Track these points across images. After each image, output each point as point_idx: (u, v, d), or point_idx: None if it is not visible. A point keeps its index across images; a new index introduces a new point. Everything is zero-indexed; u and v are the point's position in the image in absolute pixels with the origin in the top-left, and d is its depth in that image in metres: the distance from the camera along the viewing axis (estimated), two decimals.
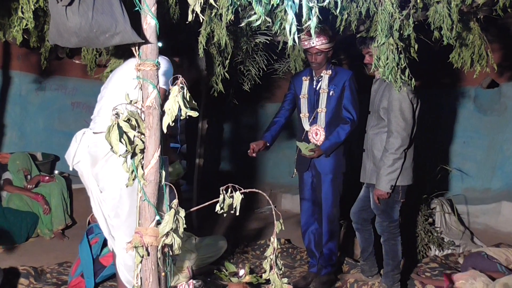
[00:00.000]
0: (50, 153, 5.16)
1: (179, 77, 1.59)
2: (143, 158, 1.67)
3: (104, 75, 3.42)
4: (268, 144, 3.35)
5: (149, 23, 1.63)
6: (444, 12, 2.41)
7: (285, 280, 1.79)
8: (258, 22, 1.71)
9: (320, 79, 3.30)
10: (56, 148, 5.34)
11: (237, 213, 1.70)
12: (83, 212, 4.85)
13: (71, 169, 2.55)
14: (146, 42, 1.64)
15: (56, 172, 5.07)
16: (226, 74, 3.49)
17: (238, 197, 1.71)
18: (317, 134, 3.28)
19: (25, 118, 5.20)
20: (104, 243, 3.12)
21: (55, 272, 3.46)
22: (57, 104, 5.42)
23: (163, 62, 2.66)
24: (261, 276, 3.19)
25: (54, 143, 5.35)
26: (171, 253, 1.75)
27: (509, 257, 3.28)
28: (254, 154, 3.28)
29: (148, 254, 1.67)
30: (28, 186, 4.40)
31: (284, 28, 1.70)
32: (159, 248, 1.68)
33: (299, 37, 1.78)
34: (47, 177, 4.58)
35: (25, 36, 3.06)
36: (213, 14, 2.70)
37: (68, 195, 4.65)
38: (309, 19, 1.65)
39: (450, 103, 4.87)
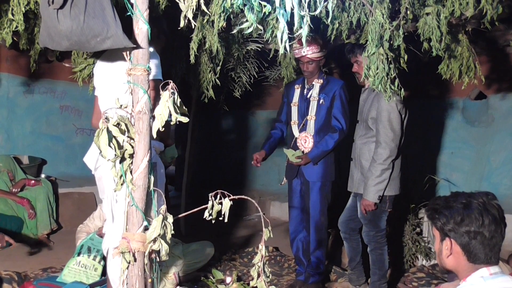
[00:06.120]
0: (37, 157, 5.11)
1: (170, 82, 1.59)
2: (132, 163, 1.65)
3: (81, 76, 3.37)
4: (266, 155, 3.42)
5: (141, 28, 1.63)
6: (433, 24, 2.44)
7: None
8: (250, 30, 1.71)
9: (311, 88, 3.33)
10: (43, 151, 5.29)
11: (226, 220, 1.69)
12: (69, 217, 4.82)
13: (93, 173, 2.52)
14: (138, 47, 1.64)
15: (43, 175, 5.02)
16: (217, 80, 3.49)
17: (227, 203, 1.71)
18: (305, 141, 3.30)
19: (12, 121, 5.14)
20: None
21: (39, 278, 3.40)
22: (45, 107, 5.38)
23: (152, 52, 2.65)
24: (248, 284, 3.17)
25: (41, 147, 5.31)
26: (158, 259, 1.74)
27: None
28: (258, 164, 3.36)
29: (135, 260, 1.65)
30: (13, 189, 4.34)
31: (276, 36, 1.71)
32: (146, 254, 1.67)
33: (290, 45, 1.79)
34: (33, 181, 4.52)
35: (15, 38, 3.03)
36: (205, 20, 2.70)
37: (54, 199, 4.59)
38: (301, 27, 1.67)
39: (439, 114, 4.92)
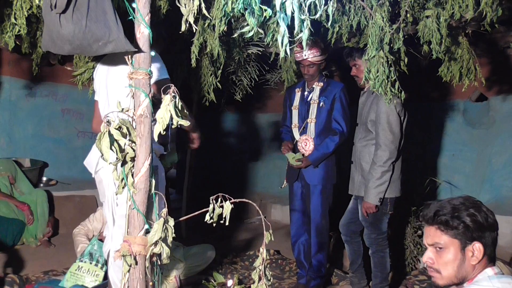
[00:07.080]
0: (38, 160, 5.12)
1: (172, 85, 1.60)
2: (133, 166, 1.66)
3: (81, 79, 3.38)
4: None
5: (143, 32, 1.64)
6: (433, 27, 2.45)
7: None
8: (251, 33, 1.72)
9: (311, 91, 3.34)
10: (45, 154, 5.30)
11: (227, 223, 1.70)
12: (70, 220, 4.82)
13: (93, 176, 2.53)
14: (139, 51, 1.64)
15: (44, 178, 5.04)
16: (218, 84, 3.50)
17: (228, 207, 1.71)
18: (306, 144, 3.30)
19: (14, 124, 5.15)
20: None
21: (41, 281, 3.40)
22: (47, 110, 5.39)
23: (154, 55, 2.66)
24: (249, 287, 3.17)
25: (43, 150, 5.31)
26: (159, 263, 1.74)
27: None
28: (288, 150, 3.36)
29: (136, 263, 1.65)
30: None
31: (276, 40, 1.72)
32: (147, 257, 1.67)
33: (291, 49, 1.80)
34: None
35: (17, 42, 3.05)
36: (206, 24, 2.71)
37: (47, 206, 4.57)
38: (301, 31, 1.68)
39: (440, 116, 4.93)
